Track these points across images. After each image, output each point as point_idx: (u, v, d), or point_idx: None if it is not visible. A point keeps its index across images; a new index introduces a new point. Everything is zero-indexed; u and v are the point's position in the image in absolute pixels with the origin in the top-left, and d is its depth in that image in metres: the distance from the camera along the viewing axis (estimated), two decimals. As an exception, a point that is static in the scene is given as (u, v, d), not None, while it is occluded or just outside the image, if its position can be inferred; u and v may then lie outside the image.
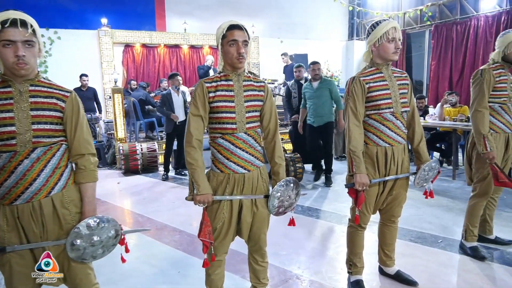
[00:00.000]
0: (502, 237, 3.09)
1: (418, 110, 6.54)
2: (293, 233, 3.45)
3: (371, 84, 2.20)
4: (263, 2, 10.37)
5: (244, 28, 1.86)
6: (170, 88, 5.64)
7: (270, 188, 2.01)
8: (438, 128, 6.09)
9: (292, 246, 3.19)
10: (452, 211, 3.93)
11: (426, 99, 7.78)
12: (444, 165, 6.20)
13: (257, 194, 1.99)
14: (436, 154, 6.40)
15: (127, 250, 1.75)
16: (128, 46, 9.03)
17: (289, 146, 7.22)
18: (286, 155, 5.32)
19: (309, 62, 5.52)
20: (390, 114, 2.20)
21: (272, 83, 8.69)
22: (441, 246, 3.08)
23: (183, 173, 5.83)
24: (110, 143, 7.20)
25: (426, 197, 2.42)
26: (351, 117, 2.21)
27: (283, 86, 8.59)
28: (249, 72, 2.11)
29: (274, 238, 3.20)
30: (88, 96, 7.59)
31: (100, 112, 7.80)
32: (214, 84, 1.90)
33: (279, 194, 1.98)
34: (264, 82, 2.03)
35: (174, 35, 9.35)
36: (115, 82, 6.75)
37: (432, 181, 2.40)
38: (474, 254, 2.83)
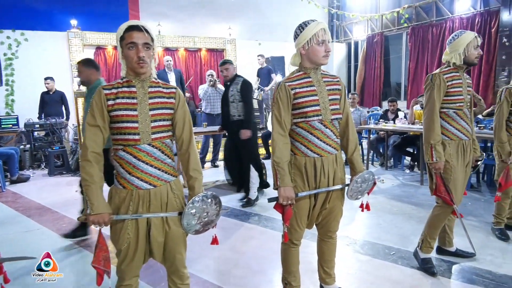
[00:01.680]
0: (464, 248, 2.95)
1: (390, 113, 6.54)
2: (241, 247, 3.28)
3: (298, 90, 2.03)
4: (241, 4, 10.20)
5: (145, 29, 1.68)
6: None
7: None
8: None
9: (233, 261, 3.01)
10: (412, 219, 3.79)
11: (405, 101, 7.68)
12: (415, 169, 6.09)
13: (169, 211, 1.82)
14: (411, 158, 6.29)
15: (6, 281, 1.56)
16: (99, 49, 8.78)
17: (262, 151, 7.07)
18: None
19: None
20: (319, 122, 2.03)
21: (246, 86, 8.50)
22: (393, 259, 2.92)
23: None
24: (76, 149, 6.97)
25: (362, 210, 2.26)
26: (275, 126, 2.05)
27: (258, 90, 8.44)
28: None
29: (218, 251, 3.04)
30: (55, 99, 7.36)
31: (68, 116, 7.56)
32: (114, 91, 1.72)
33: (194, 210, 1.81)
34: (175, 88, 1.85)
35: (147, 37, 9.12)
36: (79, 85, 6.52)
37: (368, 193, 2.23)
38: (424, 267, 2.68)
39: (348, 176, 2.16)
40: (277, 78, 8.68)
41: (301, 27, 2.03)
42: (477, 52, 2.50)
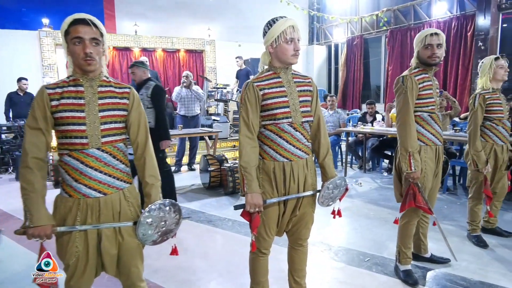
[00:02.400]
0: (439, 254, 2.89)
1: (368, 116, 6.51)
2: (213, 254, 3.14)
3: (266, 91, 1.91)
4: (221, 5, 10.07)
5: (94, 23, 1.54)
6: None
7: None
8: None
9: (203, 270, 2.87)
10: (388, 223, 3.72)
11: (384, 104, 7.69)
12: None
13: (122, 220, 1.67)
14: (389, 161, 6.27)
15: None
16: (73, 48, 8.50)
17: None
18: (226, 164, 5.01)
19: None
20: (288, 124, 1.92)
21: (224, 88, 8.38)
22: (367, 266, 2.84)
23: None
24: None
25: (334, 217, 2.16)
26: (242, 128, 1.92)
27: (237, 92, 8.32)
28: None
29: (187, 260, 2.89)
30: (26, 101, 7.07)
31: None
32: (58, 90, 1.57)
33: (150, 220, 1.67)
34: (130, 88, 1.71)
35: (124, 38, 8.91)
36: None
37: (340, 200, 2.13)
38: (406, 278, 2.56)
39: (321, 181, 2.06)
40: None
41: (269, 24, 1.91)
42: (431, 52, 2.32)
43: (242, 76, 8.64)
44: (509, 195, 4.18)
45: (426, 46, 2.35)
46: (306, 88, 2.01)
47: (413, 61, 2.48)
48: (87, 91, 1.59)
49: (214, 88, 8.17)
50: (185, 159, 6.65)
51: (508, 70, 3.05)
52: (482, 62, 3.08)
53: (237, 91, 8.45)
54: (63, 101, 1.55)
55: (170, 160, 6.89)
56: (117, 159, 1.64)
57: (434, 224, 2.63)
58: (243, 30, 10.49)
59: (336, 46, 11.27)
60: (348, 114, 8.64)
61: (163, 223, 1.71)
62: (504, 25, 7.14)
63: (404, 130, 2.38)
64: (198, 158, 6.46)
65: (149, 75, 4.20)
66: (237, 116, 8.40)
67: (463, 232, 3.39)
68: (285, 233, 2.15)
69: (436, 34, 2.33)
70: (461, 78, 7.77)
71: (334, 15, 10.37)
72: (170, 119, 8.03)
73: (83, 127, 1.55)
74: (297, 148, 1.94)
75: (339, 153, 7.05)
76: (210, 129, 5.87)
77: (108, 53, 1.68)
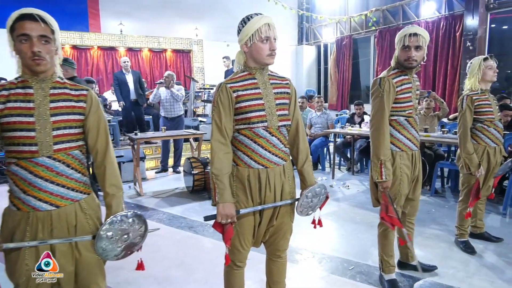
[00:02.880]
0: (426, 261, 2.78)
1: (356, 117, 6.42)
2: (191, 263, 3.00)
3: (240, 93, 1.78)
4: (208, 4, 9.93)
5: (42, 18, 1.40)
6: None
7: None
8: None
9: (180, 280, 2.73)
10: (374, 228, 3.54)
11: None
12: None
13: (79, 234, 1.53)
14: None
15: None
16: (56, 48, 8.29)
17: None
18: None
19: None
20: (264, 129, 1.79)
21: (211, 89, 8.23)
22: (351, 274, 2.72)
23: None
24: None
25: (315, 227, 2.03)
26: (215, 133, 1.79)
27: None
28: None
29: (164, 269, 2.75)
30: None
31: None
32: (4, 92, 1.42)
33: (110, 233, 1.53)
34: (87, 90, 1.57)
35: (109, 37, 8.71)
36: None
37: (320, 208, 2.01)
38: None
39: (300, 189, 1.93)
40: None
41: (243, 21, 1.77)
42: (408, 55, 2.18)
43: (229, 76, 8.50)
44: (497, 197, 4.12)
45: (404, 47, 2.22)
46: (284, 90, 1.88)
47: (392, 61, 2.37)
48: (37, 93, 1.44)
49: (201, 88, 8.00)
50: (171, 162, 6.50)
51: (497, 70, 2.95)
52: (471, 63, 2.99)
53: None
54: (9, 104, 1.41)
55: (155, 163, 6.76)
56: (72, 168, 1.50)
57: (401, 243, 2.57)
58: (231, 30, 10.24)
59: (326, 46, 11.19)
60: (337, 115, 8.55)
61: (125, 236, 1.58)
62: (492, 25, 7.11)
63: (377, 137, 2.26)
64: (183, 160, 6.31)
65: (74, 74, 4.02)
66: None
67: (451, 237, 3.30)
68: (262, 243, 2.02)
69: (415, 35, 2.19)
70: (450, 78, 7.72)
71: (323, 15, 10.29)
72: (157, 120, 7.87)
73: (32, 133, 1.41)
74: (273, 154, 1.81)
75: (327, 154, 6.95)
76: (193, 131, 5.70)
77: (61, 52, 1.53)
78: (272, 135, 1.81)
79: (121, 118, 7.51)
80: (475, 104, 2.90)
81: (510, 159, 3.00)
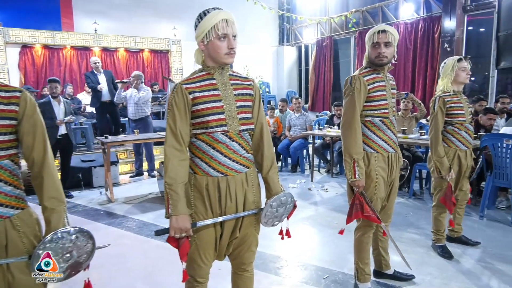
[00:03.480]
0: (403, 268, 2.68)
1: (336, 118, 6.34)
2: (156, 276, 2.83)
3: (197, 94, 1.63)
4: (187, 4, 9.72)
5: None
6: (49, 96, 4.81)
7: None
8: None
9: (148, 293, 2.56)
10: (352, 233, 3.49)
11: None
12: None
13: (11, 255, 1.36)
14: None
15: None
16: (26, 47, 7.96)
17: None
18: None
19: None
20: (223, 134, 1.64)
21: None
22: (325, 284, 2.60)
23: (69, 194, 5.01)
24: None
25: (282, 238, 1.90)
26: (169, 138, 1.63)
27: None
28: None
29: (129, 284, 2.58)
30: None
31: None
32: None
33: (50, 252, 1.37)
34: (21, 91, 1.39)
35: (82, 36, 8.41)
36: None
37: (287, 218, 1.87)
38: None
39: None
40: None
41: (200, 16, 1.62)
42: (377, 51, 2.12)
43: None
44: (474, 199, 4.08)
45: (374, 44, 2.16)
46: (246, 91, 1.74)
47: (364, 60, 2.28)
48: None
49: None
50: (147, 165, 6.30)
51: (470, 73, 2.88)
52: (445, 63, 2.91)
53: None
54: None
55: (130, 166, 6.54)
56: (1, 180, 1.32)
57: (384, 234, 2.44)
58: (211, 30, 10.16)
59: (306, 47, 11.14)
60: (318, 116, 8.48)
61: (68, 255, 1.42)
62: (470, 27, 7.15)
63: (348, 135, 2.17)
64: (156, 164, 6.11)
65: None
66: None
67: (428, 242, 3.22)
68: (227, 256, 1.88)
69: (384, 31, 2.12)
70: (429, 79, 7.72)
71: (304, 15, 10.23)
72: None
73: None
74: (233, 160, 1.67)
75: (307, 156, 6.86)
76: (161, 134, 5.46)
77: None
78: (233, 140, 1.66)
79: (95, 121, 7.27)
80: (447, 106, 2.83)
81: (479, 163, 2.95)
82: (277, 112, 7.35)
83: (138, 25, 9.21)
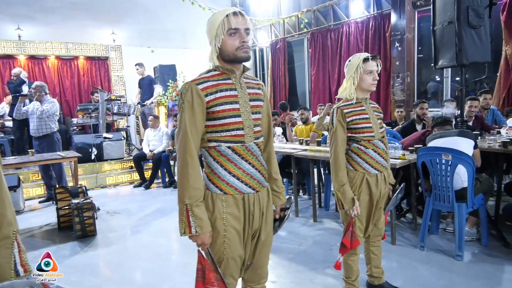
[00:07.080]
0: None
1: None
2: None
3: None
4: (127, 7, 8.93)
5: None
6: None
7: None
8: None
9: None
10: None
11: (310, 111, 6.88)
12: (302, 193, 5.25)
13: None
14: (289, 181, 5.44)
15: None
16: None
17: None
18: (74, 200, 3.90)
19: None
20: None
21: (119, 100, 7.26)
22: None
23: None
24: None
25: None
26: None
27: (137, 104, 7.23)
28: None
29: None
30: None
31: None
32: None
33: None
34: None
35: (4, 43, 7.56)
36: None
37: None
38: None
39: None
40: (157, 89, 7.55)
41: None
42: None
43: (145, 85, 7.60)
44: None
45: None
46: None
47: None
48: None
49: (107, 100, 6.94)
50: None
51: (377, 78, 2.21)
52: (349, 61, 2.24)
53: (137, 104, 7.37)
54: None
55: (42, 190, 5.70)
56: None
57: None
58: (156, 34, 9.43)
59: (262, 51, 10.50)
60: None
61: None
62: (421, 24, 6.61)
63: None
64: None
65: None
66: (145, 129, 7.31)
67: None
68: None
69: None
70: (383, 82, 7.12)
71: (257, 17, 9.58)
72: (65, 136, 6.82)
73: None
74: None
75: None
76: (64, 154, 4.63)
77: None
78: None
79: (13, 137, 6.44)
80: (348, 119, 2.16)
81: (399, 189, 2.28)
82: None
83: (71, 30, 8.35)
